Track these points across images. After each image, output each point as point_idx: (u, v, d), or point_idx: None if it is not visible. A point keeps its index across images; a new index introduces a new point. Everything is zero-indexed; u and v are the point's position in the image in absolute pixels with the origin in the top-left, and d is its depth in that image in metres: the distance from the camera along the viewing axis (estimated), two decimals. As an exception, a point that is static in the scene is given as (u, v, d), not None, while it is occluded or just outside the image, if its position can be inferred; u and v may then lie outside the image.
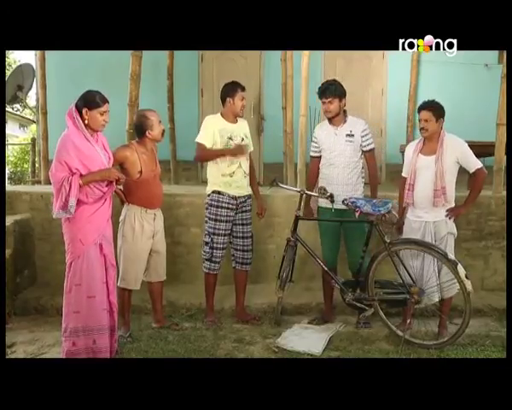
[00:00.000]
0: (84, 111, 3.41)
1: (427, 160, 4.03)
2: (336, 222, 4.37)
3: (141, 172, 3.92)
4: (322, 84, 4.42)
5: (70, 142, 3.38)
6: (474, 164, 3.98)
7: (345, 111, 4.42)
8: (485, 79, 7.61)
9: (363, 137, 4.36)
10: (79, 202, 3.38)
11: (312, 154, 4.55)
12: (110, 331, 3.59)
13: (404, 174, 4.25)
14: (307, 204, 4.54)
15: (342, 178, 4.34)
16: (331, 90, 4.32)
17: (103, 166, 3.48)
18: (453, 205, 4.08)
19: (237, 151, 4.28)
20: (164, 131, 4.10)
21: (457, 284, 3.86)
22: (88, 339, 3.46)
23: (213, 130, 4.30)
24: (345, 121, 4.39)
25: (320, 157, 4.48)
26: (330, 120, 4.41)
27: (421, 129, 4.02)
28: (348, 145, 4.33)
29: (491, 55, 7.68)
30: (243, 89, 4.36)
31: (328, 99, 4.31)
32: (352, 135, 4.34)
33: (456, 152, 3.97)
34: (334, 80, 4.44)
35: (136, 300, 4.36)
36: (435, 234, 4.04)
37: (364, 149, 4.38)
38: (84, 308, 3.45)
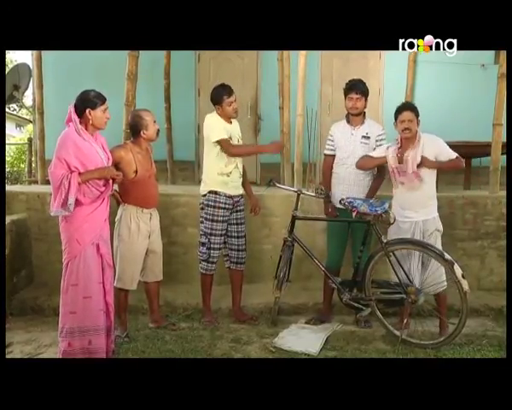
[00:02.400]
0: (87, 111, 3.42)
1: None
2: (345, 223, 4.36)
3: (136, 171, 3.91)
4: (352, 80, 4.41)
5: (70, 140, 3.39)
6: (451, 155, 4.03)
7: (364, 113, 4.42)
8: (482, 79, 7.62)
9: (377, 141, 4.36)
10: (77, 202, 3.37)
11: (327, 152, 4.52)
12: (106, 332, 3.58)
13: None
14: (327, 202, 4.51)
15: (353, 178, 4.35)
16: (361, 87, 4.33)
17: (101, 166, 3.49)
18: (436, 203, 4.14)
19: (274, 148, 4.43)
20: (159, 130, 4.09)
21: (446, 279, 3.95)
22: (84, 340, 3.45)
23: (220, 123, 4.27)
24: (363, 122, 4.40)
25: (334, 156, 4.47)
26: (348, 119, 4.42)
27: (405, 129, 4.02)
28: (363, 147, 4.33)
29: (488, 56, 7.70)
30: (230, 94, 4.28)
31: (358, 95, 4.31)
32: (368, 137, 4.35)
33: (434, 147, 4.03)
34: (361, 80, 4.42)
35: (133, 300, 4.35)
36: (424, 232, 4.08)
37: None
38: (80, 309, 3.44)
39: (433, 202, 4.14)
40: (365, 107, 4.39)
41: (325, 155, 4.56)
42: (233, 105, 4.31)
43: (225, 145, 4.26)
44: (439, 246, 4.05)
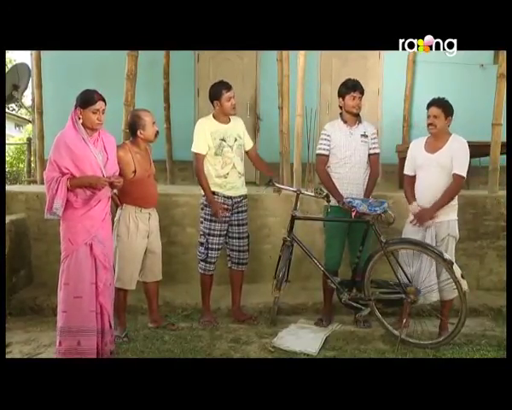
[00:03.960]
0: (78, 110, 3.43)
1: (429, 157, 4.03)
2: (345, 223, 4.34)
3: (135, 171, 3.91)
4: (350, 80, 4.41)
5: (62, 141, 3.40)
6: (459, 168, 3.93)
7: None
8: (481, 79, 7.64)
9: (372, 139, 4.42)
10: (70, 203, 3.40)
11: (323, 152, 4.42)
12: (101, 333, 3.56)
13: (406, 172, 4.27)
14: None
15: (357, 177, 4.36)
16: (361, 86, 4.37)
17: (96, 167, 3.48)
18: (456, 204, 4.07)
19: (215, 210, 4.23)
20: (158, 132, 4.08)
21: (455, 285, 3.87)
22: (73, 340, 3.44)
23: (205, 134, 4.26)
24: (360, 122, 4.43)
25: (328, 156, 4.43)
26: (344, 118, 4.42)
27: (430, 125, 4.01)
28: (363, 145, 4.37)
29: (487, 56, 7.73)
30: (229, 88, 4.28)
31: (360, 95, 4.35)
32: (366, 136, 4.39)
33: (454, 149, 3.97)
34: (357, 80, 4.45)
35: (132, 300, 4.35)
36: (436, 235, 4.03)
37: (371, 151, 4.41)
38: (70, 308, 3.44)
39: (449, 204, 4.01)
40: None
41: (321, 155, 4.45)
42: (231, 101, 4.29)
43: (196, 161, 4.31)
44: (451, 252, 3.99)
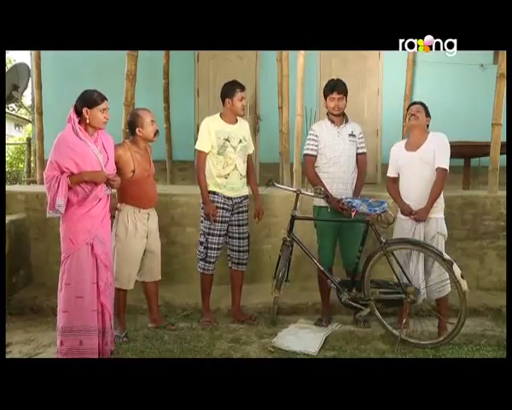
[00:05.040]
0: (84, 111, 3.43)
1: (411, 155, 4.09)
2: (335, 222, 4.36)
3: (134, 171, 3.91)
4: (332, 80, 4.43)
5: (63, 141, 3.40)
6: (441, 162, 4.01)
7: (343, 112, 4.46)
8: (481, 79, 7.64)
9: (359, 139, 4.45)
10: (70, 202, 3.40)
11: (311, 152, 4.42)
12: (102, 333, 3.56)
13: (389, 174, 4.34)
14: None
15: (347, 176, 4.37)
16: (342, 86, 4.36)
17: (97, 166, 3.48)
18: (443, 202, 4.12)
19: (208, 210, 4.23)
20: (157, 131, 4.08)
21: (449, 284, 3.90)
22: (75, 340, 3.44)
23: (210, 132, 4.27)
24: (347, 121, 4.45)
25: (316, 156, 4.44)
26: (331, 119, 4.42)
27: (412, 115, 4.10)
28: (351, 145, 4.39)
29: (487, 56, 7.72)
30: (243, 89, 4.32)
31: (340, 95, 4.34)
32: (354, 135, 4.41)
33: (435, 143, 4.04)
34: (340, 80, 4.44)
35: (132, 300, 4.35)
36: (425, 234, 4.06)
37: (358, 150, 4.44)
38: (72, 308, 3.44)
39: (436, 202, 4.05)
40: (345, 106, 4.43)
41: (309, 155, 4.44)
42: (243, 101, 4.32)
43: (197, 158, 4.33)
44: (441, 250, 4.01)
